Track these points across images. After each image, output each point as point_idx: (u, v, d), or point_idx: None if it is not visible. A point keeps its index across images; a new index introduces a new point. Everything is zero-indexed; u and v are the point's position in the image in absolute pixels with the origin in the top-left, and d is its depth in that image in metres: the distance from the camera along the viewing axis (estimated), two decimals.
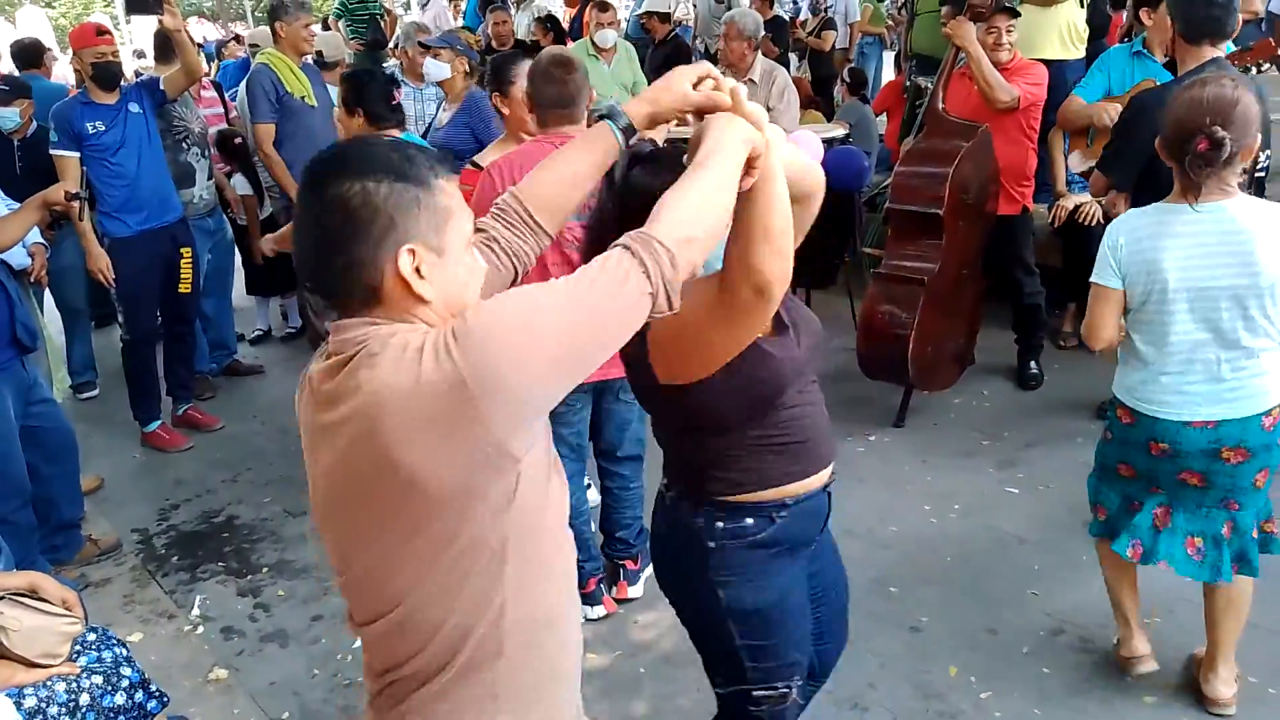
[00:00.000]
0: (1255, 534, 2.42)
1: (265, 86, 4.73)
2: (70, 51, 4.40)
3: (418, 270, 1.19)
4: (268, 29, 5.22)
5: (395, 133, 3.55)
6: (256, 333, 6.00)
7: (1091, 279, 2.41)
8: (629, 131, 1.45)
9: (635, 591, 3.18)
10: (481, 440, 1.12)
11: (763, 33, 5.17)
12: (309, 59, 5.12)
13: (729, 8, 7.56)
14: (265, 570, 3.55)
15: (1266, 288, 2.22)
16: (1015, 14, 4.18)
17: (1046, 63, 4.40)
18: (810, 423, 1.78)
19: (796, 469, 1.77)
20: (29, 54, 5.96)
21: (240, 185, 5.54)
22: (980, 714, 2.60)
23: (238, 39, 9.55)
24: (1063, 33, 4.94)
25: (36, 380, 3.41)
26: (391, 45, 7.98)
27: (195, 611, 3.33)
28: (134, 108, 4.27)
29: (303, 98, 4.81)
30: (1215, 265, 2.23)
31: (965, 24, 4.02)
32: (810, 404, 1.79)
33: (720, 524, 1.75)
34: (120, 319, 4.46)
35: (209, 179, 4.96)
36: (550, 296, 1.15)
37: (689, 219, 1.23)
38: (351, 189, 1.17)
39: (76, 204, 3.80)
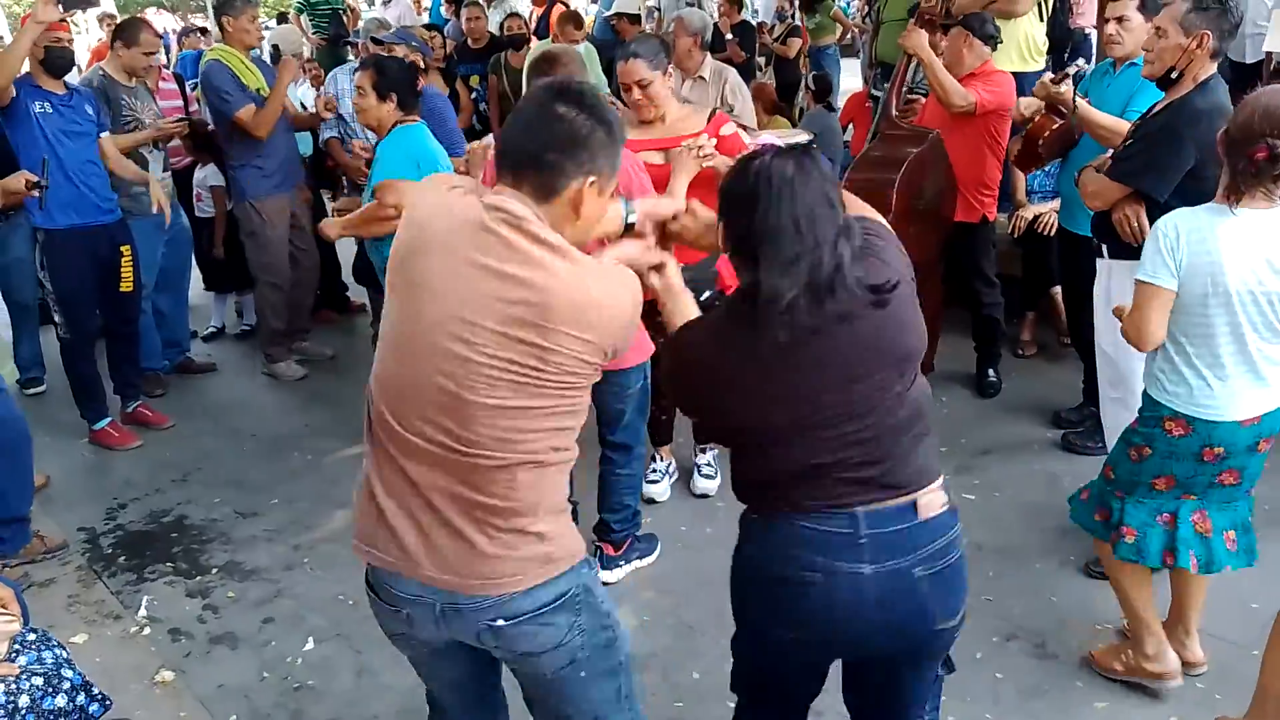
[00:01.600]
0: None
1: (227, 79, 4.66)
2: None
3: (585, 195, 1.63)
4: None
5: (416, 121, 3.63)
6: (210, 329, 5.88)
7: (1141, 277, 2.34)
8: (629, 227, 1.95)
9: (609, 577, 3.19)
10: None
11: (710, 32, 5.20)
12: (263, 53, 5.04)
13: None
14: (215, 571, 3.48)
15: None
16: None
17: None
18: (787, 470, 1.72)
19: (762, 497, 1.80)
20: None
21: (212, 176, 5.43)
22: None
23: (203, 31, 9.41)
24: (1021, 46, 5.01)
25: None
26: (351, 39, 7.92)
27: (142, 613, 3.25)
28: (88, 109, 4.21)
29: (258, 90, 4.73)
30: (1265, 268, 2.25)
31: (917, 31, 4.05)
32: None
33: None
34: (57, 318, 4.33)
35: (165, 171, 4.87)
36: None
37: None
38: (584, 120, 1.59)
39: (37, 191, 3.72)
